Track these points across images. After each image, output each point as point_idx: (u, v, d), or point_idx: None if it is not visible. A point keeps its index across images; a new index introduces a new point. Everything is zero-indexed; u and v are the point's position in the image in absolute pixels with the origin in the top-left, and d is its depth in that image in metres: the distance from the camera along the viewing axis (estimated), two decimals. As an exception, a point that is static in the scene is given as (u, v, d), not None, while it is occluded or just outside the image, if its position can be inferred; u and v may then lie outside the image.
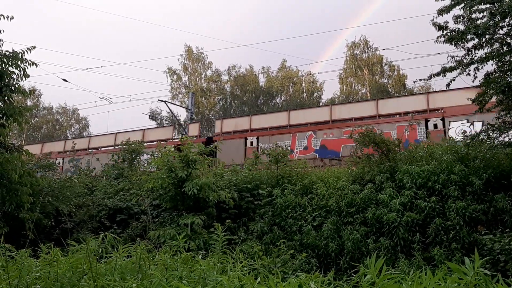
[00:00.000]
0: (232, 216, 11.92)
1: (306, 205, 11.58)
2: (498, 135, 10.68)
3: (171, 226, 11.13)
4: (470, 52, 10.59)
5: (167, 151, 12.06)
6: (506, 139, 10.74)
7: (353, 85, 53.60)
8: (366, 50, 52.14)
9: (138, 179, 13.10)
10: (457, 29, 10.56)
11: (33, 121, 57.40)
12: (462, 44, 10.57)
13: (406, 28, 70.22)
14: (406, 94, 40.82)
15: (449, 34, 10.56)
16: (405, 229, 9.72)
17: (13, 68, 10.20)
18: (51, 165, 16.27)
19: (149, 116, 51.42)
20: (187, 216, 11.06)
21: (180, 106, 48.30)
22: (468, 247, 9.04)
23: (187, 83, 57.28)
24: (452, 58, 10.81)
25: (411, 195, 10.30)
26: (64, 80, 32.02)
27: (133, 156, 18.51)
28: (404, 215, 9.90)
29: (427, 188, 10.52)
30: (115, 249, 4.27)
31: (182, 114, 52.22)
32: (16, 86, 10.38)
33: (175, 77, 57.12)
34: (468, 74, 10.71)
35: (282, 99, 57.48)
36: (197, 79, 57.71)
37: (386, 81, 52.55)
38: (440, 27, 10.71)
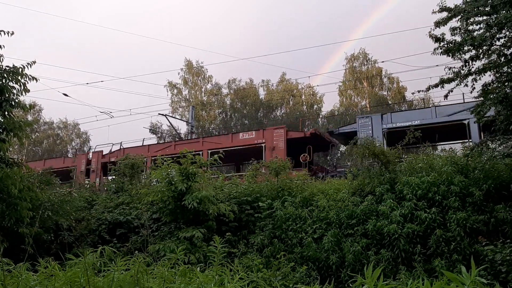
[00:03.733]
0: (232, 229, 11.88)
1: (307, 217, 11.55)
2: (497, 145, 10.70)
3: (171, 239, 11.09)
4: (467, 63, 10.66)
5: (167, 164, 12.04)
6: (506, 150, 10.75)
7: (353, 97, 53.86)
8: (365, 63, 52.59)
9: (138, 192, 13.10)
10: (454, 41, 10.64)
11: (33, 136, 57.55)
12: (459, 56, 10.65)
13: (404, 41, 70.72)
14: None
15: (446, 45, 10.65)
16: (406, 240, 9.68)
17: (13, 83, 10.23)
18: (51, 180, 16.24)
19: (150, 130, 51.53)
20: (187, 230, 11.03)
21: (181, 119, 48.50)
22: (469, 258, 8.98)
23: (187, 97, 57.62)
24: (450, 70, 10.89)
25: (411, 207, 10.28)
26: (65, 94, 32.39)
27: (133, 170, 18.50)
28: (405, 226, 9.86)
29: (427, 199, 10.50)
30: (113, 262, 4.26)
31: (182, 128, 52.36)
32: (17, 101, 10.40)
33: (175, 91, 57.49)
34: (466, 85, 10.78)
35: (282, 111, 57.72)
36: (197, 92, 58.04)
37: (385, 93, 52.81)
38: (437, 39, 10.80)
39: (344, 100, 53.96)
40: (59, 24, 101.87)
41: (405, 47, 64.97)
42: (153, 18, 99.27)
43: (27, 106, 11.04)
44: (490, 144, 10.88)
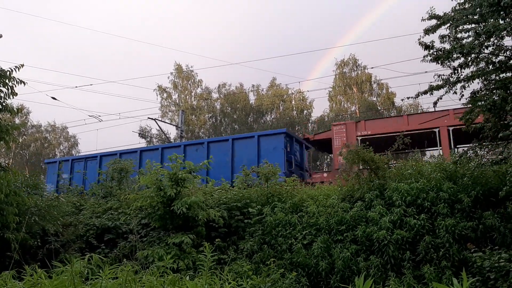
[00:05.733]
0: (222, 235, 11.81)
1: (296, 223, 11.52)
2: (485, 152, 10.78)
3: (159, 245, 11.00)
4: (456, 71, 10.74)
5: (156, 169, 11.96)
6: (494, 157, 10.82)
7: (343, 103, 54.14)
8: (355, 69, 52.92)
9: (126, 197, 12.98)
10: (443, 49, 10.72)
11: (21, 140, 56.88)
12: (448, 63, 10.72)
13: (394, 47, 71.34)
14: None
15: (435, 53, 10.72)
16: (395, 247, 9.68)
17: (0, 86, 10.13)
18: (38, 185, 16.02)
19: (139, 134, 51.21)
20: (176, 236, 10.95)
21: (170, 124, 48.36)
22: (458, 265, 9.02)
23: (177, 101, 57.43)
24: (439, 77, 10.96)
25: (400, 213, 10.29)
26: (53, 98, 31.80)
27: (122, 175, 18.34)
28: (394, 232, 9.87)
29: (416, 205, 10.53)
30: (101, 270, 4.19)
31: (172, 132, 52.17)
32: (4, 104, 10.29)
33: (165, 95, 57.31)
34: (455, 92, 10.84)
35: (272, 116, 57.80)
36: (187, 97, 57.90)
37: (375, 99, 53.18)
38: (426, 47, 10.86)
39: (334, 105, 54.22)
40: (47, 27, 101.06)
41: (394, 53, 65.57)
42: (144, 22, 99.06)
43: (15, 109, 10.89)
44: (478, 151, 10.94)
